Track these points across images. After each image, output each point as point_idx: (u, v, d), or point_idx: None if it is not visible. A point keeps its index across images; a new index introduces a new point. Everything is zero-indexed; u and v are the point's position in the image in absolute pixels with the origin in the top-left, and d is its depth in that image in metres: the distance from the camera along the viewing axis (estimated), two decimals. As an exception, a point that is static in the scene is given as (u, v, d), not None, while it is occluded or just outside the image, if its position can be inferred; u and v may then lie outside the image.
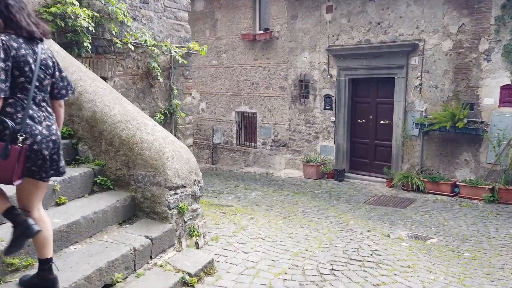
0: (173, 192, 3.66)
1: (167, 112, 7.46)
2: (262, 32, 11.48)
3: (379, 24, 9.27)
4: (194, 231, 3.93)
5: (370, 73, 9.60)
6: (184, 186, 3.79)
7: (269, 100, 11.68)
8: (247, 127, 12.47)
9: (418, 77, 8.87)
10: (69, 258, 2.87)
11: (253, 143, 12.35)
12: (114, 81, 6.47)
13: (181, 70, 7.82)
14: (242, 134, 12.59)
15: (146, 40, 6.54)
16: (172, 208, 3.65)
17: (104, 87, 4.21)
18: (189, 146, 8.21)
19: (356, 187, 9.30)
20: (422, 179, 8.56)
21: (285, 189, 9.37)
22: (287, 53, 11.04)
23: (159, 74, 7.03)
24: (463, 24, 8.18)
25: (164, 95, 7.49)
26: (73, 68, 4.06)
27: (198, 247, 3.98)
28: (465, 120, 7.95)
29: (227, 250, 4.13)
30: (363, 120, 10.08)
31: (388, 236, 5.50)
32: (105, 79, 6.35)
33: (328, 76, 10.27)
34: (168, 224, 3.61)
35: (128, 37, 6.22)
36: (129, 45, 6.27)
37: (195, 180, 3.94)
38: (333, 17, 9.99)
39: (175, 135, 7.87)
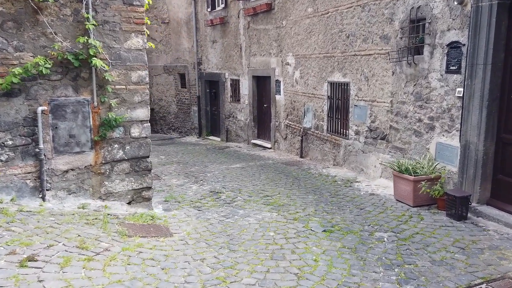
0: None
1: (74, 59, 4.36)
2: None
3: None
4: None
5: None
6: None
7: (366, 61, 7.03)
8: (339, 105, 8.08)
9: None
10: None
11: (344, 130, 7.92)
12: None
13: (116, -11, 4.55)
14: (334, 116, 8.27)
15: None
16: None
17: None
18: (142, 122, 4.92)
19: (478, 243, 4.11)
20: None
21: (336, 216, 5.02)
22: (394, -25, 6.19)
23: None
24: None
25: (73, 30, 4.41)
26: None
27: None
28: None
29: None
30: (528, 95, 4.54)
31: None
32: None
33: (457, 4, 5.06)
34: None
35: None
36: None
37: None
38: None
39: (101, 101, 4.73)
